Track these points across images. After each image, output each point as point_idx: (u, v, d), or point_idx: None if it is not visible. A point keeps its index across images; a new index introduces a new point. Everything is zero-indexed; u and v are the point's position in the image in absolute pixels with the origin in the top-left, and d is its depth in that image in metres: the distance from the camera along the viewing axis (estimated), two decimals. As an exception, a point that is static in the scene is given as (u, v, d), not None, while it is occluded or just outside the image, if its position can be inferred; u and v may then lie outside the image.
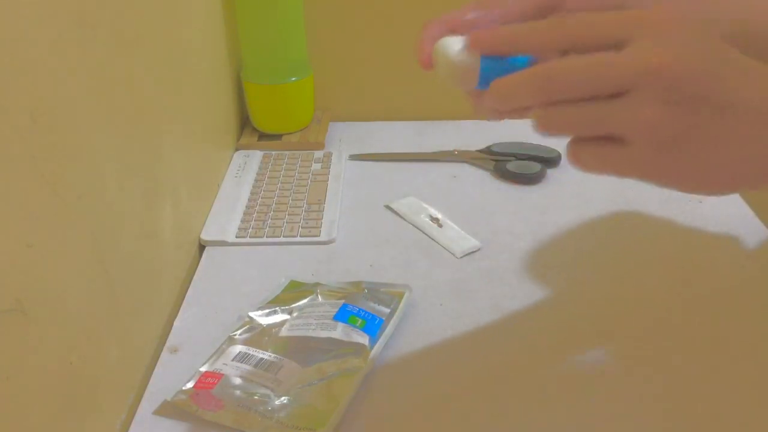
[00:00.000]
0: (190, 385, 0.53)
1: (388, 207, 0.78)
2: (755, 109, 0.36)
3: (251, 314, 0.60)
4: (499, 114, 0.42)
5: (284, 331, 0.58)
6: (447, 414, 0.52)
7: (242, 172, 0.85)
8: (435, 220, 0.75)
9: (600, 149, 0.38)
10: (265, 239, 0.72)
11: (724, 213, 0.75)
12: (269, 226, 0.74)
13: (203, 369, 0.54)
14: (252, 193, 0.80)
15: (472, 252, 0.70)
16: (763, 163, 0.37)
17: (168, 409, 0.52)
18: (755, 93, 0.36)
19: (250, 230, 0.73)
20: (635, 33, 0.36)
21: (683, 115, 0.35)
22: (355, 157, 0.89)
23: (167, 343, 0.59)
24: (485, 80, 0.40)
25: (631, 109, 0.36)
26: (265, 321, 0.59)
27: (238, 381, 0.53)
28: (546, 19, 0.39)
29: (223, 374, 0.53)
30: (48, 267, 0.42)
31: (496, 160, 0.85)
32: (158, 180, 0.62)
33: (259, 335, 0.58)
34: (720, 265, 0.67)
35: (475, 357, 0.57)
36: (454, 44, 0.40)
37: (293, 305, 0.60)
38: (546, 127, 0.39)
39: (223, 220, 0.75)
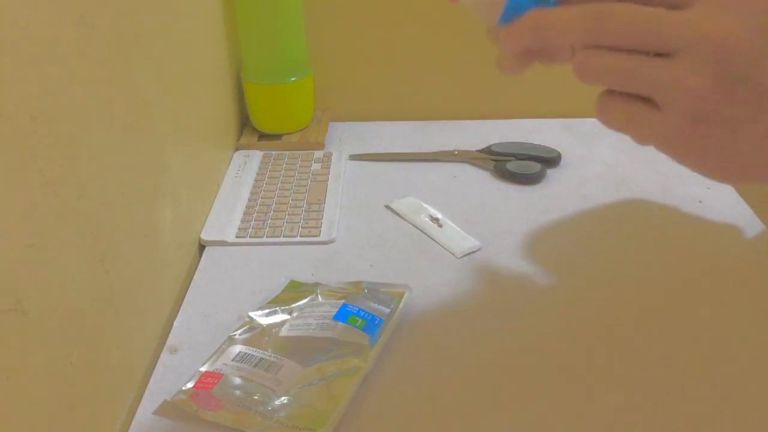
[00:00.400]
0: (190, 385, 0.53)
1: (388, 207, 0.78)
2: None
3: (251, 314, 0.60)
4: (526, 57, 0.39)
5: (284, 331, 0.58)
6: (447, 414, 0.52)
7: (242, 172, 0.85)
8: (435, 220, 0.75)
9: (632, 106, 0.36)
10: (265, 239, 0.72)
11: (724, 212, 0.75)
12: (269, 226, 0.74)
13: (203, 369, 0.54)
14: (252, 193, 0.80)
15: (472, 252, 0.70)
16: None
17: (168, 409, 0.52)
18: None
19: (250, 230, 0.73)
20: None
21: (728, 93, 0.34)
22: (355, 157, 0.89)
23: (167, 343, 0.59)
24: (511, 11, 0.37)
25: (678, 73, 0.34)
26: (265, 321, 0.59)
27: (238, 381, 0.53)
28: None
29: (223, 374, 0.53)
30: (48, 267, 0.42)
31: (496, 160, 0.85)
32: (158, 180, 0.62)
33: (259, 335, 0.58)
34: (720, 265, 0.67)
35: (475, 357, 0.57)
36: None
37: (293, 305, 0.60)
38: (583, 72, 0.36)
39: (223, 220, 0.75)
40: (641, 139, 0.38)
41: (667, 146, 0.37)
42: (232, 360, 0.55)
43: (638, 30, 0.34)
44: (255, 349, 0.56)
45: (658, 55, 0.35)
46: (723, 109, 0.34)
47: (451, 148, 0.89)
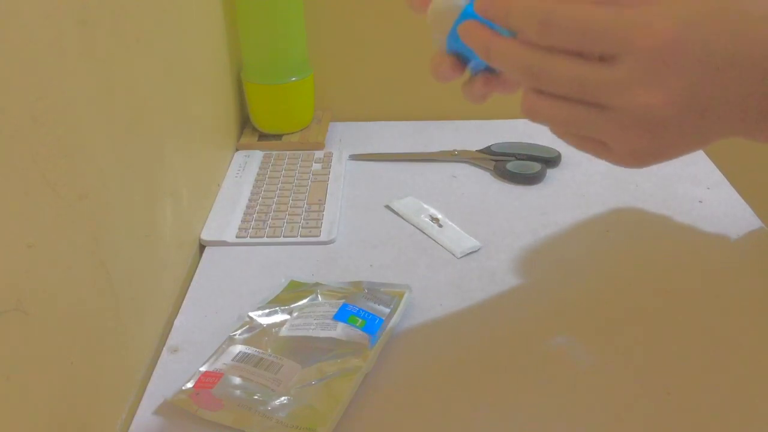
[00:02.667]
0: (190, 385, 0.53)
1: (388, 207, 0.78)
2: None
3: (251, 314, 0.60)
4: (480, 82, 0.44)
5: (284, 331, 0.58)
6: (447, 414, 0.52)
7: (242, 172, 0.85)
8: (435, 220, 0.75)
9: (572, 111, 0.39)
10: (265, 239, 0.72)
11: (724, 212, 0.75)
12: (269, 226, 0.74)
13: (203, 369, 0.54)
14: (252, 193, 0.80)
15: (472, 252, 0.70)
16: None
17: (168, 409, 0.52)
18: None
19: (250, 230, 0.73)
20: (625, 51, 0.35)
21: (675, 102, 0.36)
22: (355, 157, 0.89)
23: (167, 343, 0.59)
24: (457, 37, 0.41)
25: (614, 127, 0.38)
26: (265, 321, 0.59)
27: (238, 381, 0.53)
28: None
29: (223, 374, 0.53)
30: (48, 267, 0.42)
31: (496, 160, 0.85)
32: (158, 180, 0.62)
33: (259, 335, 0.58)
34: (720, 265, 0.67)
35: (475, 357, 0.57)
36: None
37: (293, 305, 0.61)
38: (530, 115, 0.41)
39: (224, 220, 0.75)
40: (570, 141, 0.41)
41: (597, 154, 0.41)
42: (232, 360, 0.55)
43: (568, 88, 0.37)
44: (255, 349, 0.56)
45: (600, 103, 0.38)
46: (670, 118, 0.37)
47: (451, 148, 0.89)
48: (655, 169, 0.83)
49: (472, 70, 0.45)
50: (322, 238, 0.72)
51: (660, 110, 0.36)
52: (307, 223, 0.74)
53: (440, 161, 0.87)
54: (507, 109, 0.98)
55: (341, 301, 0.59)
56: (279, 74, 0.89)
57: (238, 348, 0.56)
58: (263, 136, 0.93)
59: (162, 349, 0.58)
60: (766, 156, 1.03)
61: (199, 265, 0.69)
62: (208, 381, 0.53)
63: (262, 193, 0.80)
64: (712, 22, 0.35)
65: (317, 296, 0.61)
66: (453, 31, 0.42)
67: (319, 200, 0.78)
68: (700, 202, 0.77)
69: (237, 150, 0.90)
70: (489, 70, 0.44)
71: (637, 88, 0.36)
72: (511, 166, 0.83)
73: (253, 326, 0.59)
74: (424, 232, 0.73)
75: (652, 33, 0.35)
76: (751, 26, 0.35)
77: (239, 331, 0.58)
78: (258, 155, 0.89)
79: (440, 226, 0.74)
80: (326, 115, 0.98)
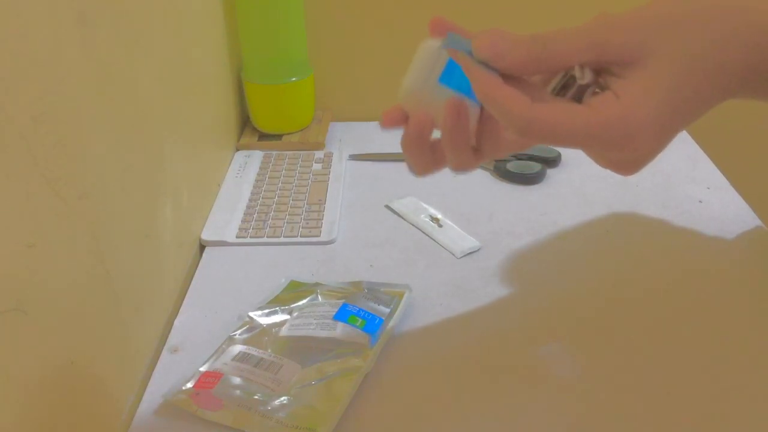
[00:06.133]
0: (190, 385, 0.53)
1: (388, 207, 0.78)
2: None
3: (251, 314, 0.60)
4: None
5: (284, 331, 0.58)
6: (447, 413, 0.52)
7: (243, 172, 0.85)
8: (435, 220, 0.75)
9: None
10: (265, 239, 0.72)
11: (724, 212, 0.75)
12: (269, 226, 0.74)
13: (203, 369, 0.54)
14: (252, 193, 0.80)
15: (472, 252, 0.70)
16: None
17: (168, 409, 0.52)
18: None
19: (250, 230, 0.73)
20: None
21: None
22: (355, 157, 0.89)
23: (167, 343, 0.59)
24: (447, 78, 0.43)
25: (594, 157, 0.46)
26: (265, 321, 0.59)
27: (238, 381, 0.53)
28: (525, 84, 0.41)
29: (223, 374, 0.53)
30: (48, 267, 0.42)
31: (496, 160, 0.85)
32: (158, 180, 0.62)
33: (259, 335, 0.58)
34: (720, 265, 0.67)
35: (475, 357, 0.57)
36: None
37: (293, 305, 0.61)
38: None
39: (224, 220, 0.75)
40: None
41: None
42: (232, 360, 0.55)
43: (554, 140, 0.40)
44: (255, 349, 0.56)
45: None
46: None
47: (452, 148, 0.89)
48: (655, 169, 0.82)
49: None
50: (322, 238, 0.72)
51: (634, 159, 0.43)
52: (307, 223, 0.74)
53: (440, 161, 0.87)
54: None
55: (341, 301, 0.59)
56: (279, 74, 0.89)
57: (238, 348, 0.56)
58: (263, 136, 0.93)
59: (162, 349, 0.58)
60: (766, 156, 1.03)
61: (199, 265, 0.69)
62: (208, 381, 0.53)
63: (262, 193, 0.80)
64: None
65: (317, 296, 0.61)
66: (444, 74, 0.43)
67: (319, 200, 0.78)
68: (700, 202, 0.77)
69: (237, 150, 0.91)
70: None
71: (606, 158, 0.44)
72: (511, 166, 0.83)
73: (253, 326, 0.59)
74: (424, 232, 0.73)
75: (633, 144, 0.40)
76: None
77: (239, 331, 0.58)
78: (258, 155, 0.89)
79: (440, 226, 0.74)
80: (326, 115, 0.98)
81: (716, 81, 0.38)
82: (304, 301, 0.61)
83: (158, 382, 0.55)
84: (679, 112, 0.38)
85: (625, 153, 0.39)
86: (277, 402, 0.51)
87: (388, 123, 0.47)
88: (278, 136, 0.92)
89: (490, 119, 0.43)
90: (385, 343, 0.57)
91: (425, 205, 0.77)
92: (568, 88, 0.41)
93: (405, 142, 0.46)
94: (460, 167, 0.46)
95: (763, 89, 0.40)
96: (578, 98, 0.41)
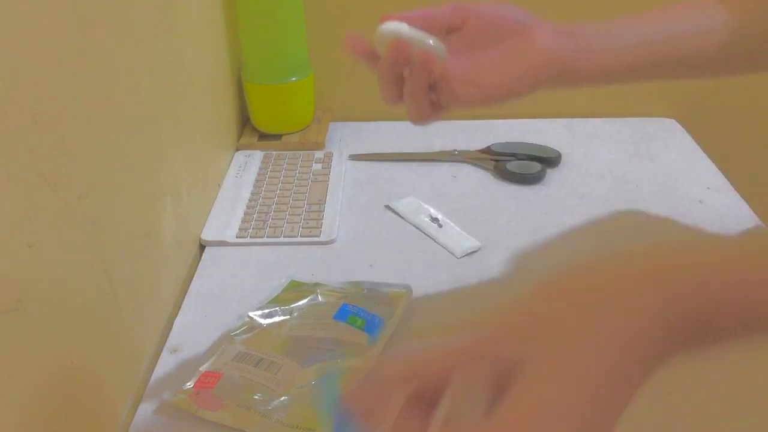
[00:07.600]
0: (190, 385, 0.53)
1: (388, 207, 0.78)
2: None
3: (251, 314, 0.60)
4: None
5: (284, 331, 0.58)
6: (447, 414, 0.52)
7: (243, 172, 0.85)
8: (435, 220, 0.75)
9: None
10: (265, 239, 0.72)
11: (724, 212, 0.75)
12: (270, 226, 0.74)
13: (203, 369, 0.54)
14: (252, 193, 0.80)
15: (472, 252, 0.70)
16: None
17: (168, 409, 0.52)
18: None
19: (250, 230, 0.73)
20: None
21: None
22: (355, 157, 0.89)
23: (167, 343, 0.59)
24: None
25: None
26: (265, 321, 0.59)
27: (238, 381, 0.53)
28: None
29: (223, 374, 0.53)
30: (48, 267, 0.42)
31: (496, 160, 0.85)
32: (158, 180, 0.62)
33: (259, 335, 0.58)
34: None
35: (475, 357, 0.57)
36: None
37: (293, 305, 0.60)
38: None
39: (224, 220, 0.75)
40: None
41: None
42: (233, 360, 0.55)
43: None
44: (255, 349, 0.56)
45: None
46: None
47: (451, 148, 0.89)
48: (655, 168, 0.83)
49: None
50: (322, 238, 0.72)
51: None
52: (307, 223, 0.74)
53: (440, 161, 0.87)
54: (507, 109, 0.98)
55: (341, 301, 0.59)
56: (279, 74, 0.89)
57: (238, 348, 0.56)
58: (263, 136, 0.93)
59: (162, 349, 0.58)
60: (766, 156, 1.03)
61: (199, 265, 0.69)
62: (208, 381, 0.53)
63: (262, 193, 0.80)
64: None
65: (317, 296, 0.61)
66: None
67: (319, 200, 0.78)
68: (700, 202, 0.77)
69: (237, 150, 0.90)
70: None
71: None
72: (511, 166, 0.83)
73: (253, 326, 0.59)
74: (424, 232, 0.73)
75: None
76: None
77: (239, 331, 0.58)
78: (258, 155, 0.89)
79: (440, 226, 0.74)
80: (326, 115, 0.98)
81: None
82: (304, 301, 0.61)
83: (158, 382, 0.55)
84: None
85: None
86: (277, 402, 0.51)
87: (352, 46, 0.50)
88: (278, 136, 0.92)
89: (444, 76, 0.46)
90: (385, 343, 0.57)
91: (425, 205, 0.77)
92: None
93: (381, 68, 0.49)
94: (420, 118, 0.48)
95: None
96: None
